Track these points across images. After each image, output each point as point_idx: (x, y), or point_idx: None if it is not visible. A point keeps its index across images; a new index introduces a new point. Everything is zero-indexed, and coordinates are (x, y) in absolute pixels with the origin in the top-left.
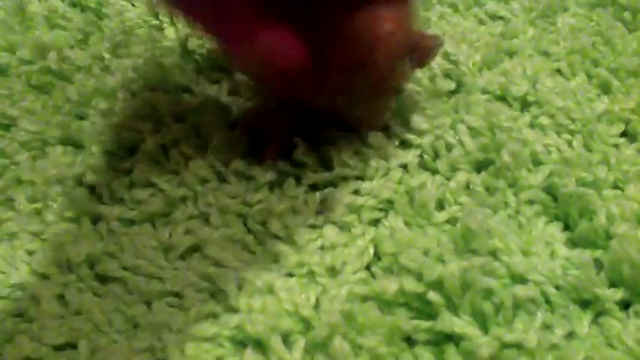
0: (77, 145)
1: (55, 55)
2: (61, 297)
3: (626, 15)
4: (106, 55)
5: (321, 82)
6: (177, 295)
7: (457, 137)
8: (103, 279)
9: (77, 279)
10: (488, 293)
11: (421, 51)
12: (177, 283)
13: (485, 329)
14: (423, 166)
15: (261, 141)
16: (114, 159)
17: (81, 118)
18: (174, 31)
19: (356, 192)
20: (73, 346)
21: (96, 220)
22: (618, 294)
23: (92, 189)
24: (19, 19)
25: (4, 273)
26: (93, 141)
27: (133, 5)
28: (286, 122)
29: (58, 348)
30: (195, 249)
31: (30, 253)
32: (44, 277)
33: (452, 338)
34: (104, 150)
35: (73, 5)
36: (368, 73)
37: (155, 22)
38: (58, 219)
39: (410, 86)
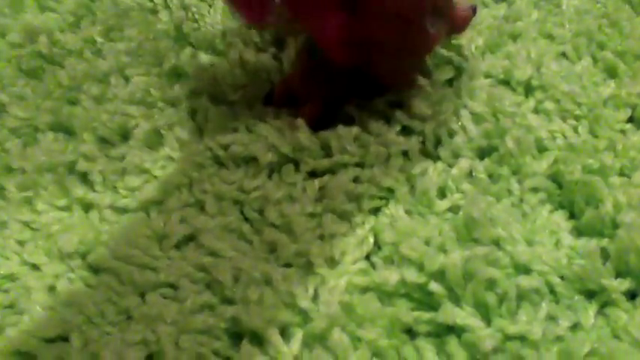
0: (68, 132)
1: (45, 38)
2: (52, 288)
3: None
4: (99, 39)
5: (359, 37)
6: (171, 285)
7: (460, 123)
8: (95, 269)
9: (68, 269)
10: (491, 284)
11: (455, 19)
12: (172, 274)
13: (488, 321)
14: (425, 152)
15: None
16: (106, 145)
17: (72, 103)
18: (168, 13)
19: (356, 179)
20: (64, 338)
21: (88, 208)
22: (625, 284)
23: (84, 176)
24: (8, 2)
25: None
26: (85, 127)
27: None
28: (323, 86)
29: (49, 340)
30: (190, 238)
31: (20, 242)
32: (35, 267)
33: (454, 330)
34: (96, 136)
35: None
36: (400, 27)
37: (149, 4)
38: (49, 207)
39: None
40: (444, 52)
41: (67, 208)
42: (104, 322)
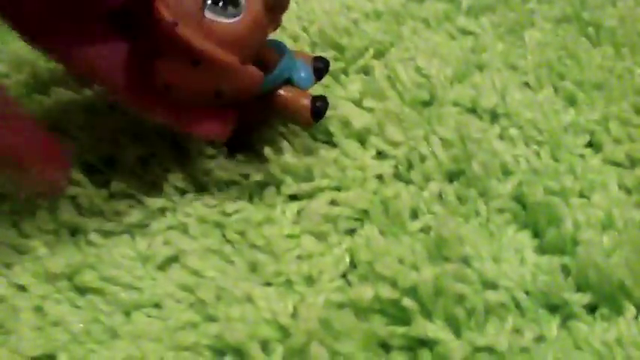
0: None
1: (30, 68)
2: (39, 309)
3: (590, 30)
4: None
5: None
6: (156, 305)
7: (430, 148)
8: (82, 290)
9: (55, 290)
10: (460, 299)
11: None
12: (156, 294)
13: (458, 334)
14: (398, 176)
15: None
16: (92, 171)
17: (58, 131)
18: None
19: (333, 202)
20: (51, 357)
21: (74, 232)
22: (585, 298)
23: (71, 201)
24: None
25: None
26: (72, 154)
27: None
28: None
29: (37, 359)
30: (173, 259)
31: (8, 265)
32: (22, 289)
33: (426, 343)
34: (83, 162)
35: None
36: None
37: None
38: (36, 231)
39: (384, 99)
40: (416, 77)
41: (54, 232)
42: (90, 340)
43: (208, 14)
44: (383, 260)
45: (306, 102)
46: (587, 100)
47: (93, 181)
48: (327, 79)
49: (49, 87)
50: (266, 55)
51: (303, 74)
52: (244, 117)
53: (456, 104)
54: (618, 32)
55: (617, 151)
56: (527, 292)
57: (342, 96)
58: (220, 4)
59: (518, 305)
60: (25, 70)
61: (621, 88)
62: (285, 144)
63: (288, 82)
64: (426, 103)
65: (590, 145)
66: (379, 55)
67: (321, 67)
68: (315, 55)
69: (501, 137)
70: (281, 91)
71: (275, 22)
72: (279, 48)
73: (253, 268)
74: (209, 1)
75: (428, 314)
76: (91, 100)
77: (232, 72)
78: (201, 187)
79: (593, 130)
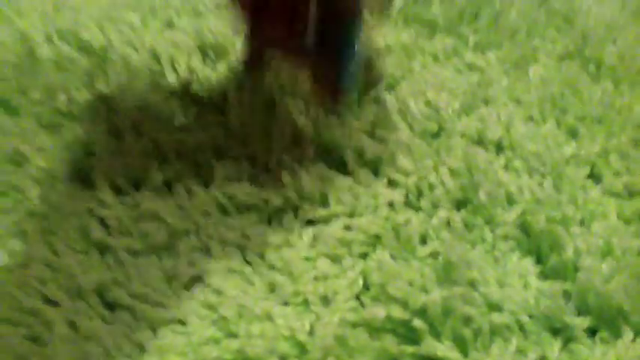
0: (86, 181)
1: (63, 96)
2: (72, 323)
3: (591, 67)
4: (112, 97)
5: None
6: (180, 321)
7: (439, 178)
8: (112, 306)
9: (87, 306)
10: (467, 320)
11: None
12: (181, 311)
13: (465, 353)
14: (408, 204)
15: None
16: (121, 194)
17: (89, 155)
18: (175, 76)
19: (347, 227)
20: None
21: (104, 251)
22: (586, 322)
23: (101, 222)
24: (29, 63)
25: (17, 299)
26: (101, 177)
27: (136, 51)
28: None
29: None
30: (197, 279)
31: (42, 281)
32: (56, 304)
33: None
34: (112, 185)
35: (80, 50)
36: None
37: (157, 67)
38: (68, 250)
39: (396, 130)
40: (425, 110)
41: (84, 251)
42: (120, 354)
43: None
44: (394, 283)
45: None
46: (588, 133)
47: (122, 204)
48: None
49: (81, 114)
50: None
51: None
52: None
53: (463, 135)
54: (618, 69)
55: (616, 183)
56: (530, 315)
57: (356, 127)
58: None
59: (521, 327)
60: (59, 97)
61: (621, 122)
62: (302, 172)
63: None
64: (435, 135)
65: (590, 176)
66: (390, 88)
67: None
68: None
69: (506, 168)
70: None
71: None
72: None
73: (272, 288)
74: None
75: (437, 334)
76: (121, 127)
77: None
78: (223, 210)
79: (594, 162)
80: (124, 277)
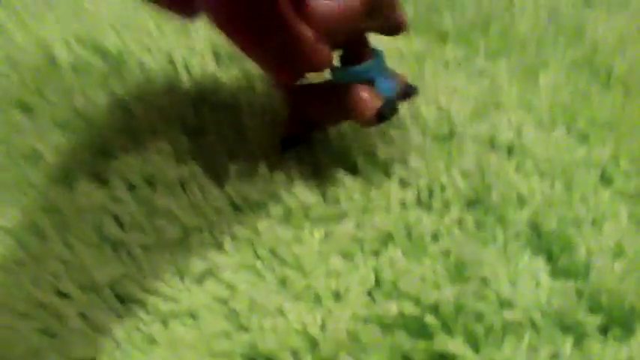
0: (101, 178)
1: (80, 97)
2: (83, 316)
3: (601, 76)
4: (128, 99)
5: None
6: (192, 315)
7: (450, 179)
8: (123, 299)
9: (100, 300)
10: (479, 317)
11: None
12: (193, 304)
13: (476, 350)
14: (420, 203)
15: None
16: (135, 190)
17: (105, 154)
18: (189, 79)
19: (358, 225)
20: None
21: (117, 246)
22: (598, 320)
23: (115, 217)
24: (47, 67)
25: (31, 293)
26: (116, 175)
27: (152, 55)
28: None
29: None
30: (209, 273)
31: (55, 275)
32: (68, 296)
33: (447, 358)
34: (127, 182)
35: (97, 54)
36: None
37: (172, 71)
38: (82, 244)
39: (408, 132)
40: (437, 115)
41: (97, 245)
42: (131, 346)
43: None
44: (406, 279)
45: (374, 103)
46: (598, 138)
47: (135, 199)
48: None
49: (97, 115)
50: (360, 51)
51: (386, 84)
52: (313, 113)
53: (474, 139)
54: (628, 79)
55: (627, 186)
56: (542, 313)
57: (369, 129)
58: None
59: (533, 324)
60: (75, 98)
61: (631, 128)
62: (315, 171)
63: (370, 84)
64: (447, 138)
65: (601, 179)
66: None
67: (409, 91)
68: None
69: (517, 170)
70: (356, 86)
71: (379, 22)
72: (375, 53)
73: (283, 282)
74: None
75: (449, 330)
76: (135, 128)
77: (302, 43)
78: (235, 206)
79: (605, 166)
80: (137, 272)
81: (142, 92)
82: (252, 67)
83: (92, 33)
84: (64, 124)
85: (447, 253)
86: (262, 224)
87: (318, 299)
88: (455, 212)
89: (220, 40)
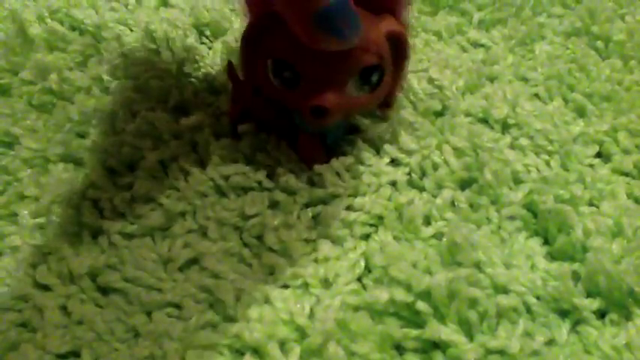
0: (78, 162)
1: (55, 76)
2: (63, 308)
3: (599, 43)
4: (105, 77)
5: None
6: (176, 305)
7: (443, 157)
8: (104, 290)
9: (79, 290)
10: (473, 303)
11: None
12: (177, 294)
13: (470, 337)
14: (412, 183)
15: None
16: (114, 175)
17: (82, 136)
18: (170, 54)
19: (348, 208)
20: (76, 354)
21: (97, 234)
22: (595, 304)
23: (94, 204)
24: (20, 42)
25: (8, 285)
26: (94, 158)
27: (131, 30)
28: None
29: (62, 356)
30: (193, 261)
31: (33, 266)
32: (47, 288)
33: (439, 345)
34: (105, 166)
35: (72, 29)
36: None
37: (152, 46)
38: (60, 233)
39: (399, 108)
40: (429, 88)
41: (77, 234)
42: (113, 338)
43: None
44: (397, 265)
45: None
46: (596, 111)
47: (115, 185)
48: None
49: (73, 94)
50: None
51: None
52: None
53: (468, 114)
54: (627, 45)
55: (626, 161)
56: (537, 297)
57: None
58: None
59: (529, 309)
60: (50, 77)
61: (630, 100)
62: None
63: None
64: (439, 113)
65: (599, 155)
66: None
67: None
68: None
69: (512, 147)
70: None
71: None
72: None
73: (271, 270)
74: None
75: (441, 317)
76: (114, 107)
77: None
78: (220, 191)
79: (602, 140)
80: (118, 261)
81: (120, 69)
82: (236, 42)
83: (67, 6)
84: (39, 105)
85: (439, 237)
86: (248, 209)
87: (306, 287)
88: (447, 193)
89: (202, 13)
